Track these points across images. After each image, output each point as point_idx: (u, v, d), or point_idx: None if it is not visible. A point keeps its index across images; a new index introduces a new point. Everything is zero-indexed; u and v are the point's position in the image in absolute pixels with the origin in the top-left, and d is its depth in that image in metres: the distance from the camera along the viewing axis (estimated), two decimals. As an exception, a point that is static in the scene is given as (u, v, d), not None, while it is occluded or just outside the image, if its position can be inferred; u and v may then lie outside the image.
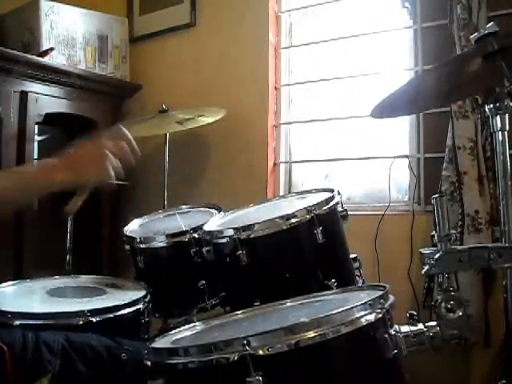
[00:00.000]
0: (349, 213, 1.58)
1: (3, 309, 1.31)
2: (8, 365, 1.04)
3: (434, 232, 1.22)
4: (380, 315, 0.94)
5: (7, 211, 1.25)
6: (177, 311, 1.79)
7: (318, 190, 1.73)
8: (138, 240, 1.78)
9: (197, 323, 1.22)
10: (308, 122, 2.62)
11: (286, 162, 2.65)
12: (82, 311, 1.34)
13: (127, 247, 1.81)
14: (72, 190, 1.19)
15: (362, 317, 0.92)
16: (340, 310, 0.92)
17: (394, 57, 2.41)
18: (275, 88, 2.64)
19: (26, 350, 1.09)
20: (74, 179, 1.16)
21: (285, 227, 1.43)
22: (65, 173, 1.15)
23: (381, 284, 1.11)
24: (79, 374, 1.12)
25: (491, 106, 1.29)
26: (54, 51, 2.50)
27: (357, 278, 1.58)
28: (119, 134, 1.22)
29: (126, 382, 1.18)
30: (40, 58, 2.43)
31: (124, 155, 1.19)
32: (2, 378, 1.04)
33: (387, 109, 1.45)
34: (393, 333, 0.95)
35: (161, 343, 1.08)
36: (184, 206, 2.10)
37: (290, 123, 2.66)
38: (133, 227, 1.94)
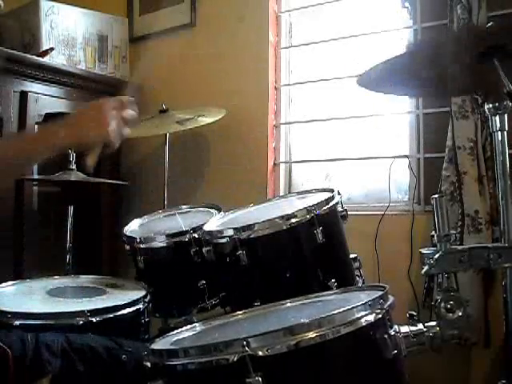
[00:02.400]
0: (349, 213, 1.58)
1: (3, 309, 1.31)
2: (10, 367, 1.04)
3: (433, 232, 1.22)
4: (380, 315, 0.94)
5: (7, 181, 1.25)
6: (177, 311, 1.79)
7: (318, 190, 1.73)
8: (138, 240, 1.78)
9: (197, 323, 1.22)
10: (308, 121, 2.62)
11: (286, 162, 2.65)
12: (82, 311, 1.34)
13: (127, 247, 1.81)
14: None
15: (361, 317, 0.92)
16: (340, 310, 0.92)
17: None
18: (275, 88, 2.64)
19: (25, 351, 1.09)
20: (75, 141, 1.17)
21: (285, 227, 1.43)
22: (66, 135, 1.15)
23: (381, 284, 1.11)
24: (79, 375, 1.12)
25: (491, 105, 1.29)
26: (53, 51, 2.50)
27: (357, 277, 1.58)
28: (119, 99, 1.23)
29: (126, 382, 1.18)
30: (40, 58, 2.43)
31: (124, 116, 1.20)
32: (4, 379, 1.04)
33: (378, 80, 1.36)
34: (393, 333, 0.95)
35: (161, 344, 1.08)
36: (184, 206, 2.10)
37: (290, 123, 2.66)
38: (133, 227, 1.94)
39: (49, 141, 1.16)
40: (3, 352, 1.05)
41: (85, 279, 1.74)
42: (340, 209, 1.56)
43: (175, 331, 1.17)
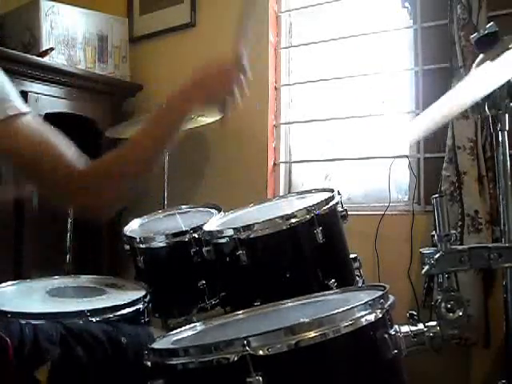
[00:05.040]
0: (349, 213, 1.58)
1: (3, 309, 1.31)
2: (10, 357, 1.04)
3: (433, 232, 1.22)
4: (380, 315, 0.94)
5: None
6: (177, 311, 1.79)
7: (317, 190, 1.73)
8: (138, 240, 1.78)
9: (197, 323, 1.22)
10: (308, 121, 2.62)
11: (286, 162, 2.65)
12: (82, 311, 1.34)
13: (127, 247, 1.81)
14: None
15: (362, 317, 0.92)
16: (340, 309, 0.92)
17: (394, 57, 2.41)
18: (275, 88, 2.64)
19: (24, 341, 1.08)
20: (203, 103, 1.17)
21: (285, 227, 1.43)
22: (195, 98, 1.16)
23: (381, 284, 1.11)
24: (79, 360, 1.12)
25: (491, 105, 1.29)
26: (53, 51, 2.50)
27: (357, 277, 1.58)
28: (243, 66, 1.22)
29: (127, 366, 1.17)
30: (40, 58, 2.43)
31: (241, 83, 1.19)
32: (5, 369, 1.04)
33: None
34: (393, 333, 0.95)
35: (161, 343, 1.08)
36: (184, 206, 2.10)
37: (290, 123, 2.66)
38: (133, 227, 1.94)
39: (180, 110, 1.15)
40: (4, 342, 1.05)
41: (85, 279, 1.74)
42: (340, 209, 1.56)
43: (175, 331, 1.17)
